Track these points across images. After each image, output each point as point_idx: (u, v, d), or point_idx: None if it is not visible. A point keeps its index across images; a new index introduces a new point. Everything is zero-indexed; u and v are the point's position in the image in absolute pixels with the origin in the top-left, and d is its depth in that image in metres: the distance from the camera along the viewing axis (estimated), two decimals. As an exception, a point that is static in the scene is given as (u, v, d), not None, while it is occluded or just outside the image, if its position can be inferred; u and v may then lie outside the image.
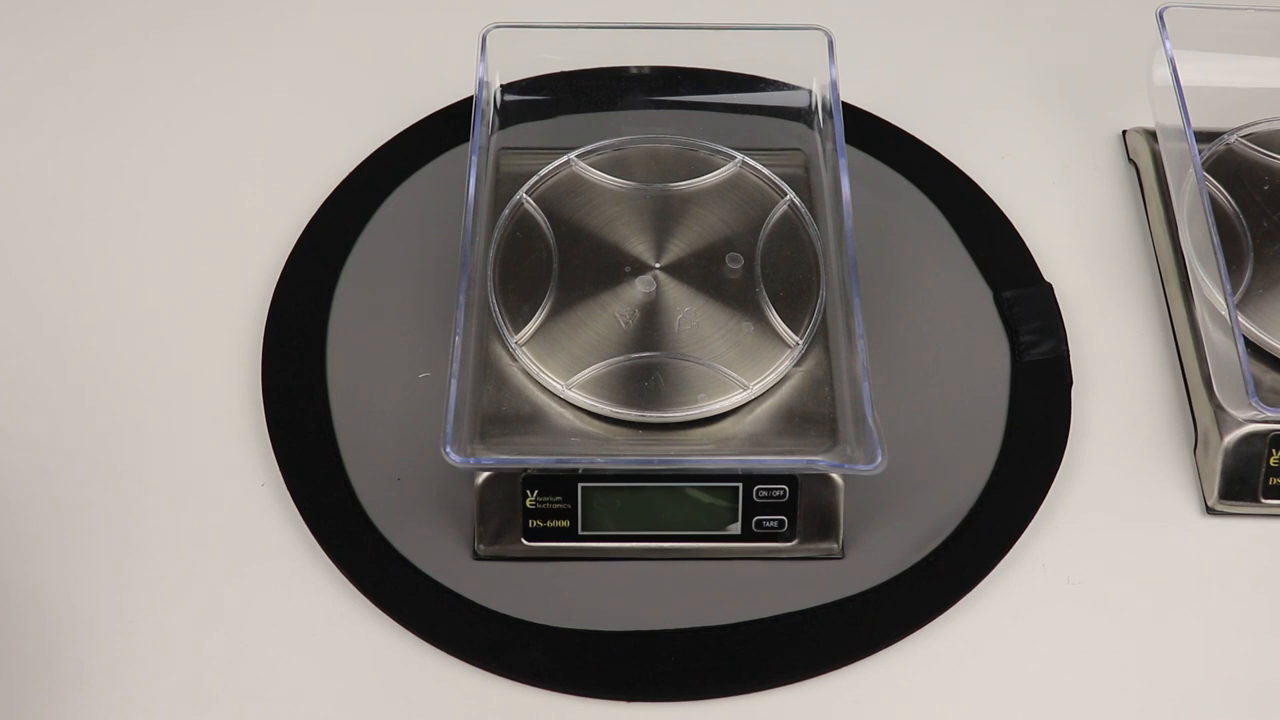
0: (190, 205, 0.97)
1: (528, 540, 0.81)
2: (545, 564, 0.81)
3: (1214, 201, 0.89)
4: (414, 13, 1.08)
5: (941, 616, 0.80)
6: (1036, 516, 0.83)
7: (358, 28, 1.07)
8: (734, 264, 0.87)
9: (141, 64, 1.04)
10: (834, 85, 0.90)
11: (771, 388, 0.83)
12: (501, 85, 0.93)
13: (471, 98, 0.90)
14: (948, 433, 0.86)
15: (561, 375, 0.82)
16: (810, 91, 0.94)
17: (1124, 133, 1.01)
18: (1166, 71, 0.90)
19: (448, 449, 0.75)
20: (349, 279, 0.91)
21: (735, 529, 0.81)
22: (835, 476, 0.80)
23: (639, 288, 0.86)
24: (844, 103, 0.91)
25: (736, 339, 0.84)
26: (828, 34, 0.91)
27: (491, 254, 0.87)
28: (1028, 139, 1.01)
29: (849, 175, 0.86)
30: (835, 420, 0.81)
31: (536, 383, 0.83)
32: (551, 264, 0.86)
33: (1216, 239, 0.84)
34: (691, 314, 0.85)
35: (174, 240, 0.95)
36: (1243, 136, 0.93)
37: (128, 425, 0.87)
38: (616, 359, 0.83)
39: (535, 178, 0.90)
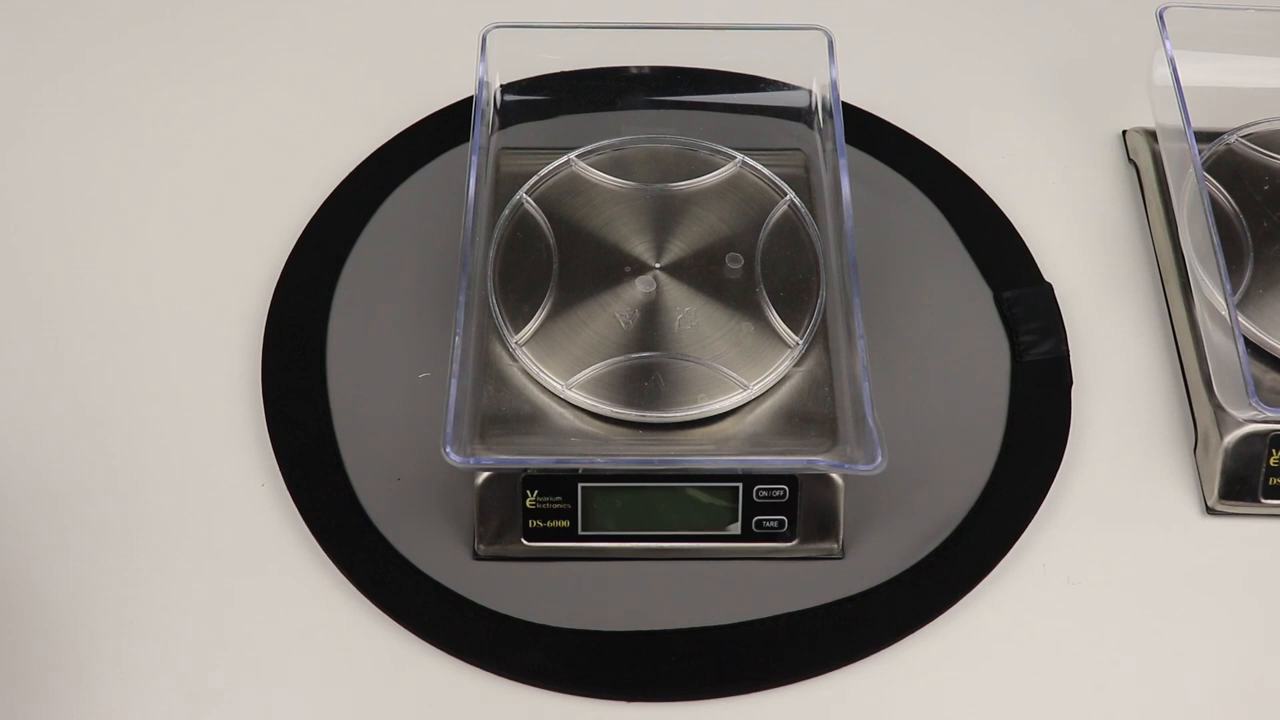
0: (190, 205, 0.97)
1: (528, 540, 0.81)
2: (545, 564, 0.81)
3: (1214, 201, 0.89)
4: (414, 13, 1.08)
5: (941, 616, 0.80)
6: (1036, 516, 0.83)
7: (358, 28, 1.07)
8: (734, 264, 0.87)
9: (141, 64, 1.04)
10: (834, 85, 0.90)
11: (771, 388, 0.83)
12: (501, 85, 0.93)
13: (471, 98, 0.90)
14: (948, 433, 0.86)
15: (561, 375, 0.82)
16: (810, 91, 0.94)
17: (1124, 133, 1.01)
18: (1166, 71, 0.90)
19: (448, 449, 0.75)
20: (349, 279, 0.91)
21: (735, 529, 0.81)
22: (835, 476, 0.80)
23: (639, 288, 0.86)
24: (844, 103, 0.91)
25: (736, 339, 0.84)
26: (828, 34, 0.91)
27: (491, 254, 0.87)
28: (1028, 139, 1.01)
29: (849, 175, 0.86)
30: (835, 420, 0.81)
31: (536, 383, 0.83)
32: (551, 264, 0.86)
33: (1216, 239, 0.84)
34: (691, 314, 0.85)
35: (174, 240, 0.95)
36: (1243, 136, 0.93)
37: (128, 425, 0.87)
38: (616, 359, 0.83)
39: (535, 178, 0.90)
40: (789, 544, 0.81)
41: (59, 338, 0.90)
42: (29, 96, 1.03)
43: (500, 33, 0.91)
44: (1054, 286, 0.92)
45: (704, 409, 0.81)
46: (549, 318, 0.84)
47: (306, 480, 0.84)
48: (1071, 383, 0.88)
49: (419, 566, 0.81)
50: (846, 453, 0.79)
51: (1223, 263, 0.83)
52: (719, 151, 0.92)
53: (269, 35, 1.06)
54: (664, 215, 0.89)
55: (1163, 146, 0.94)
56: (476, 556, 0.81)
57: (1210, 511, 0.85)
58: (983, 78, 1.05)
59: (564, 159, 0.91)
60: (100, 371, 0.89)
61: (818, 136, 0.93)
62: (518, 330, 0.84)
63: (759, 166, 0.91)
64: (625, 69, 0.95)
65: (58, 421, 0.87)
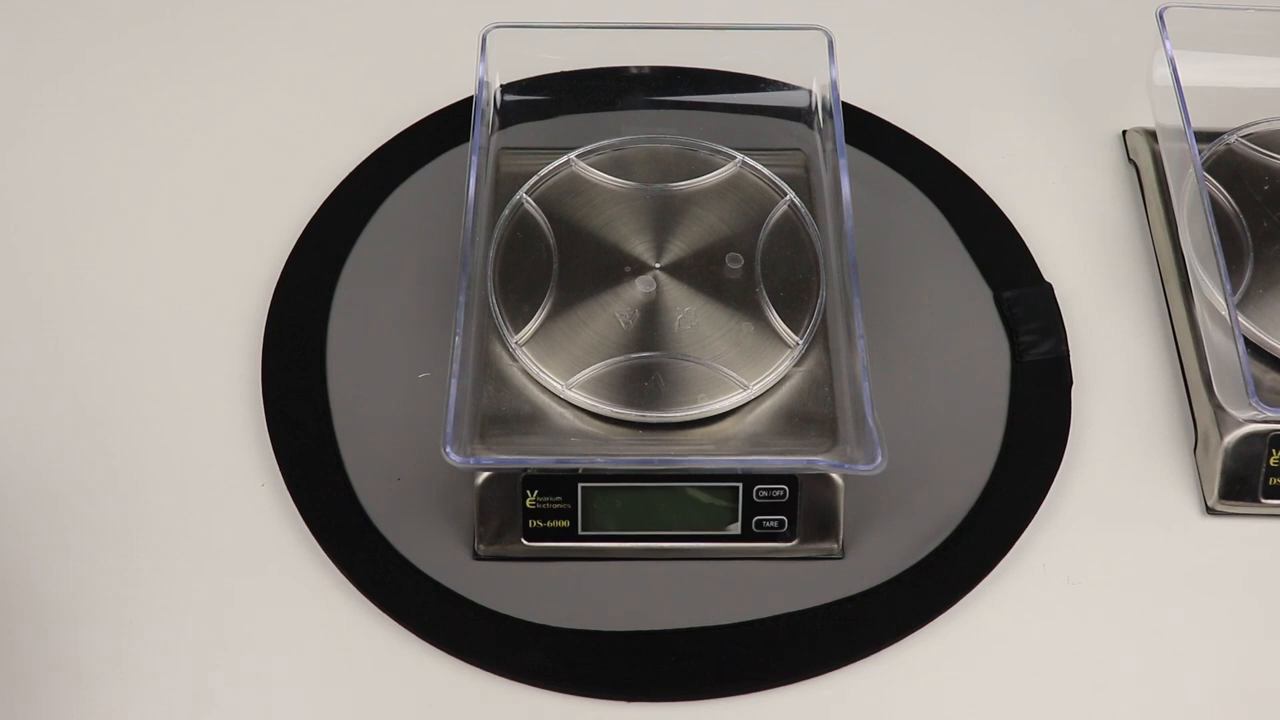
0: (190, 205, 0.97)
1: (528, 540, 0.81)
2: (545, 564, 0.81)
3: (1214, 201, 0.89)
4: (414, 13, 1.08)
5: (941, 616, 0.80)
6: (1036, 516, 0.83)
7: (358, 28, 1.07)
8: (734, 264, 0.87)
9: (141, 64, 1.04)
10: (834, 85, 0.90)
11: (771, 388, 0.83)
12: (501, 85, 0.93)
13: (471, 98, 0.90)
14: (948, 433, 0.86)
15: (561, 375, 0.82)
16: (810, 91, 0.94)
17: (1124, 133, 1.01)
18: (1166, 71, 0.90)
19: (448, 449, 0.75)
20: (349, 279, 0.91)
21: (735, 529, 0.81)
22: (835, 476, 0.80)
23: (639, 288, 0.86)
24: (844, 103, 0.91)
25: (736, 339, 0.84)
26: (828, 34, 0.91)
27: (491, 254, 0.87)
28: (1028, 139, 1.01)
29: (849, 175, 0.86)
30: (835, 420, 0.81)
31: (536, 383, 0.83)
32: (551, 264, 0.86)
33: (1216, 239, 0.84)
34: (691, 314, 0.85)
35: (174, 240, 0.95)
36: (1243, 136, 0.93)
37: (128, 426, 0.87)
38: (616, 359, 0.83)
39: (535, 178, 0.90)
40: (789, 544, 0.81)
41: (59, 338, 0.90)
42: (29, 96, 1.03)
43: (500, 33, 0.91)
44: (1054, 286, 0.92)
45: (704, 409, 0.81)
46: (549, 318, 0.84)
47: (306, 480, 0.84)
48: (1071, 383, 0.88)
49: (419, 566, 0.81)
50: (846, 453, 0.79)
51: (1223, 263, 0.83)
52: (719, 151, 0.92)
53: (269, 35, 1.06)
54: (664, 215, 0.89)
55: (1163, 146, 0.94)
56: (476, 556, 0.81)
57: (1210, 511, 0.85)
58: (983, 78, 1.05)
59: (564, 159, 0.91)
60: (100, 371, 0.89)
61: (818, 136, 0.93)
62: (518, 330, 0.84)
63: (759, 166, 0.91)
64: (625, 69, 0.95)
65: (58, 421, 0.87)
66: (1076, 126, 1.02)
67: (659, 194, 0.90)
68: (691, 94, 0.96)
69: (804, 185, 0.91)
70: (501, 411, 0.82)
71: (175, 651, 0.79)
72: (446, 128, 0.98)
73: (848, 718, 0.78)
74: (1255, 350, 0.85)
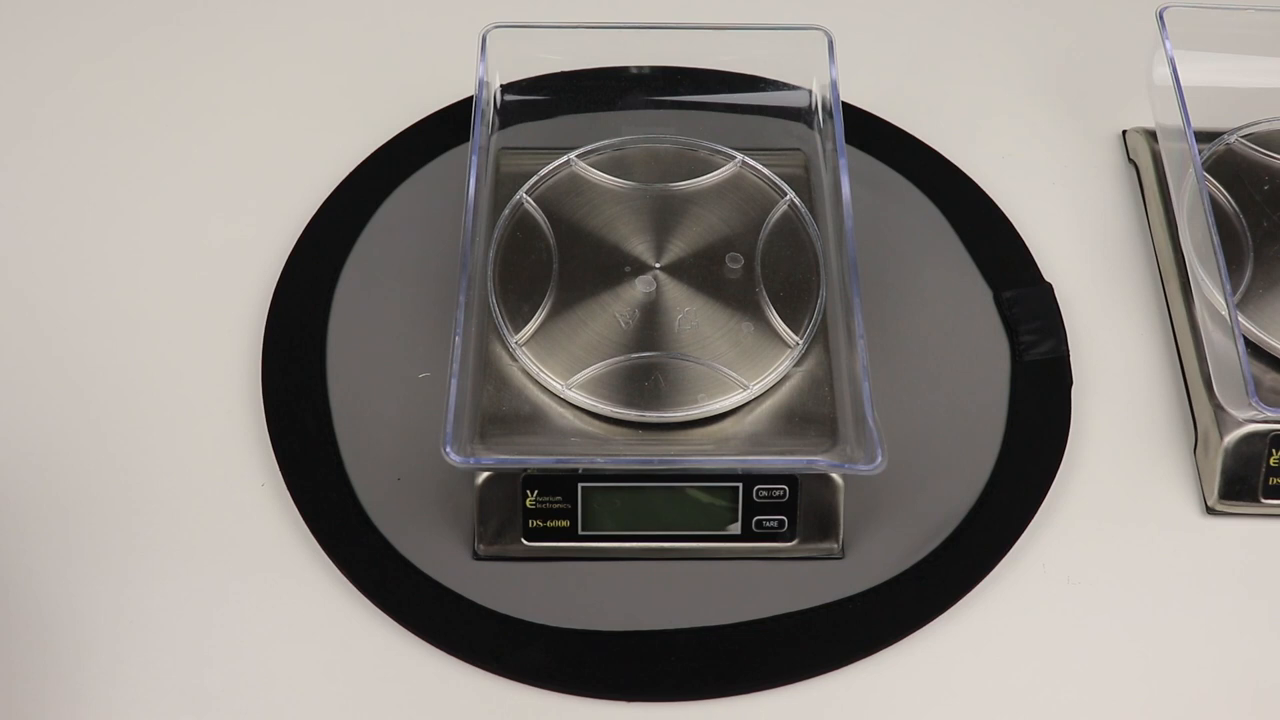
0: (190, 205, 0.97)
1: (528, 540, 0.81)
2: (545, 564, 0.81)
3: (1214, 201, 0.89)
4: (414, 13, 1.08)
5: (942, 616, 0.80)
6: (1036, 516, 0.83)
7: (358, 28, 1.07)
8: (734, 264, 0.87)
9: (143, 63, 1.04)
10: (834, 85, 0.90)
11: (771, 388, 0.83)
12: (501, 85, 0.93)
13: (471, 98, 0.90)
14: (948, 433, 0.86)
15: (561, 375, 0.82)
16: (810, 91, 0.94)
17: (1124, 133, 1.01)
18: (1166, 71, 0.90)
19: (448, 449, 0.75)
20: (349, 279, 0.91)
21: (735, 529, 0.81)
22: (835, 476, 0.80)
23: (639, 288, 0.86)
24: (844, 103, 0.91)
25: (736, 339, 0.84)
26: (828, 34, 0.91)
27: (491, 254, 0.87)
28: (1028, 139, 1.01)
29: (849, 175, 0.86)
30: (835, 420, 0.81)
31: (536, 383, 0.83)
32: (551, 264, 0.86)
33: (1216, 239, 0.84)
34: (691, 314, 0.85)
35: (174, 241, 0.95)
36: (1243, 136, 0.93)
37: (128, 426, 0.87)
38: (616, 359, 0.83)
39: (535, 178, 0.90)
40: (789, 544, 0.81)
41: (60, 338, 0.90)
42: (33, 96, 1.03)
43: (500, 33, 0.91)
44: (1054, 286, 0.92)
45: (704, 409, 0.81)
46: (549, 318, 0.84)
47: (306, 480, 0.84)
48: (1071, 383, 0.88)
49: (419, 566, 0.81)
50: (846, 453, 0.79)
51: (1223, 263, 0.83)
52: (719, 151, 0.92)
53: (269, 36, 1.06)
54: (664, 215, 0.89)
55: (1163, 146, 0.94)
56: (476, 556, 0.81)
57: (1210, 511, 0.85)
58: (983, 78, 1.05)
59: (564, 159, 0.91)
60: (101, 372, 0.89)
61: (818, 136, 0.93)
62: (518, 330, 0.84)
63: (759, 166, 0.91)
64: (625, 69, 0.95)
65: (58, 422, 0.87)
66: (1076, 126, 1.02)
67: (659, 194, 0.90)
68: (691, 94, 0.96)
69: (804, 185, 0.91)
70: (501, 411, 0.82)
71: (175, 651, 0.79)
72: (446, 128, 0.98)
73: (848, 718, 0.78)
74: (1255, 350, 0.85)
